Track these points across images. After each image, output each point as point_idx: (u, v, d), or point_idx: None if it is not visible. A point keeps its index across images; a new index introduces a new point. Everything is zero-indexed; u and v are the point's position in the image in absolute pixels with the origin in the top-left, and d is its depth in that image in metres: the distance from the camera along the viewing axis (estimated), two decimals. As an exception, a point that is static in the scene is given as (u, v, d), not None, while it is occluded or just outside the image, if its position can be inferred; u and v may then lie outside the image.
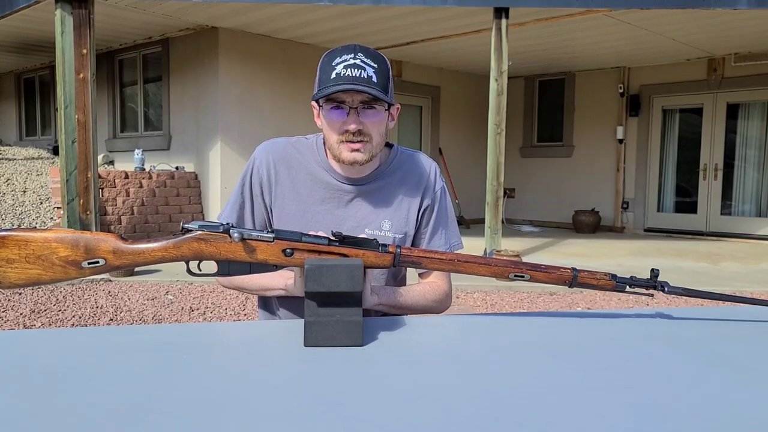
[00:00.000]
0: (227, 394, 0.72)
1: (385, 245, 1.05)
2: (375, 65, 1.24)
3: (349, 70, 1.21)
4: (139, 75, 8.06)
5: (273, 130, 7.20)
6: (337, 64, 1.22)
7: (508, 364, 0.87)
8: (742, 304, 1.10)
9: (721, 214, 8.50)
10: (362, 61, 1.22)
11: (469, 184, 9.58)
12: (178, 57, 7.42)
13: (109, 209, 6.47)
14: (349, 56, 1.23)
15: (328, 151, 1.37)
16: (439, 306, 1.38)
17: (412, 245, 1.41)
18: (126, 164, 7.74)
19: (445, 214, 1.44)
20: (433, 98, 9.40)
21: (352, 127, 1.25)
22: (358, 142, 1.26)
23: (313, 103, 1.32)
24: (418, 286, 1.37)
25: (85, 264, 0.97)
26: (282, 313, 1.43)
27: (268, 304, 1.47)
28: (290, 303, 1.40)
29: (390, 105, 1.29)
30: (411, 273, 1.43)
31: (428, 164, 1.44)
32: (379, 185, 1.38)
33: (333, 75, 1.22)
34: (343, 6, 5.70)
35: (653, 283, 1.05)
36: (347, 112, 1.25)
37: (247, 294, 1.44)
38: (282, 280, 1.29)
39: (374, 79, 1.22)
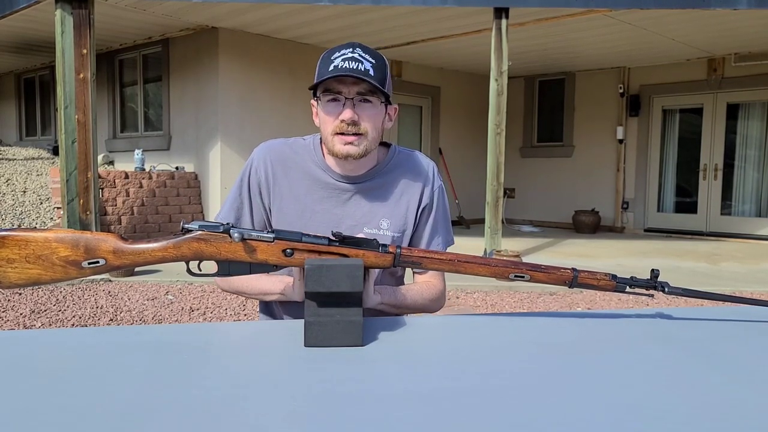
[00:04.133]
0: (227, 394, 0.72)
1: (385, 245, 1.05)
2: (373, 60, 1.25)
3: (346, 62, 1.22)
4: (139, 75, 8.06)
5: (273, 130, 7.20)
6: (336, 57, 1.24)
7: (508, 364, 0.87)
8: (742, 304, 1.10)
9: (721, 214, 8.49)
10: (360, 55, 1.24)
11: (469, 184, 9.58)
12: (178, 57, 7.42)
13: (109, 209, 6.47)
14: (348, 51, 1.24)
15: (324, 148, 1.37)
16: (434, 305, 1.40)
17: (410, 244, 1.41)
18: (126, 164, 7.73)
19: (443, 214, 1.45)
20: (433, 98, 9.40)
21: (347, 115, 1.25)
22: (352, 135, 1.26)
23: (312, 101, 1.33)
24: (416, 286, 1.38)
25: (85, 264, 0.97)
26: (286, 319, 1.43)
27: (270, 308, 1.47)
28: (293, 309, 1.39)
29: (387, 98, 1.30)
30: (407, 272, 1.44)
31: (426, 163, 1.44)
32: (378, 183, 1.38)
33: (331, 67, 1.23)
34: (343, 6, 5.70)
35: (653, 283, 1.05)
36: (343, 103, 1.25)
37: (247, 297, 1.44)
38: (280, 285, 1.30)
39: (371, 72, 1.23)
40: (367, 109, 1.27)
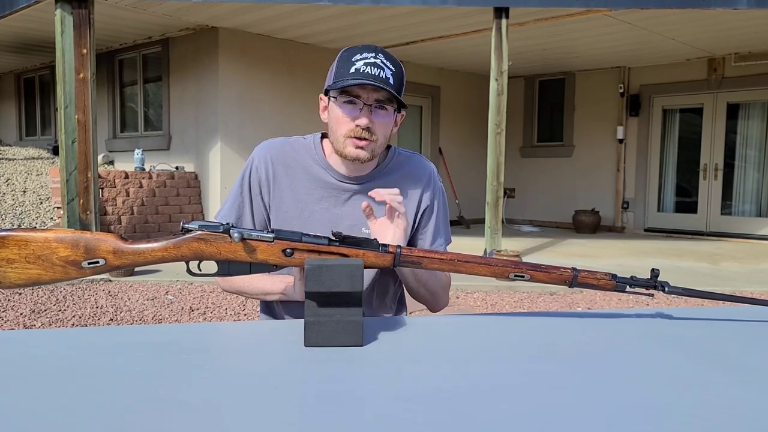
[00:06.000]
0: (227, 394, 0.72)
1: (385, 245, 1.05)
2: (393, 68, 1.26)
3: (369, 67, 1.23)
4: (139, 75, 8.06)
5: (273, 129, 7.20)
6: (358, 60, 1.24)
7: (508, 364, 0.87)
8: (742, 304, 1.10)
9: (721, 214, 8.50)
10: (382, 62, 1.25)
11: (469, 184, 9.58)
12: (178, 57, 7.42)
13: (109, 209, 6.47)
14: (371, 55, 1.25)
15: (326, 148, 1.38)
16: (443, 295, 1.41)
17: (410, 246, 1.42)
18: (126, 164, 7.74)
19: (443, 216, 1.46)
20: (433, 98, 9.40)
21: (363, 122, 1.26)
22: (364, 139, 1.27)
23: (322, 96, 1.33)
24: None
25: (85, 264, 0.97)
26: (287, 319, 1.43)
27: (271, 308, 1.47)
28: (294, 309, 1.40)
29: (400, 109, 1.31)
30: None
31: (427, 166, 1.45)
32: (378, 184, 1.38)
33: (352, 70, 1.23)
34: (343, 6, 5.70)
35: (653, 283, 1.05)
36: (360, 108, 1.26)
37: (248, 297, 1.44)
38: (281, 285, 1.30)
39: (391, 81, 1.25)
40: (381, 116, 1.28)
